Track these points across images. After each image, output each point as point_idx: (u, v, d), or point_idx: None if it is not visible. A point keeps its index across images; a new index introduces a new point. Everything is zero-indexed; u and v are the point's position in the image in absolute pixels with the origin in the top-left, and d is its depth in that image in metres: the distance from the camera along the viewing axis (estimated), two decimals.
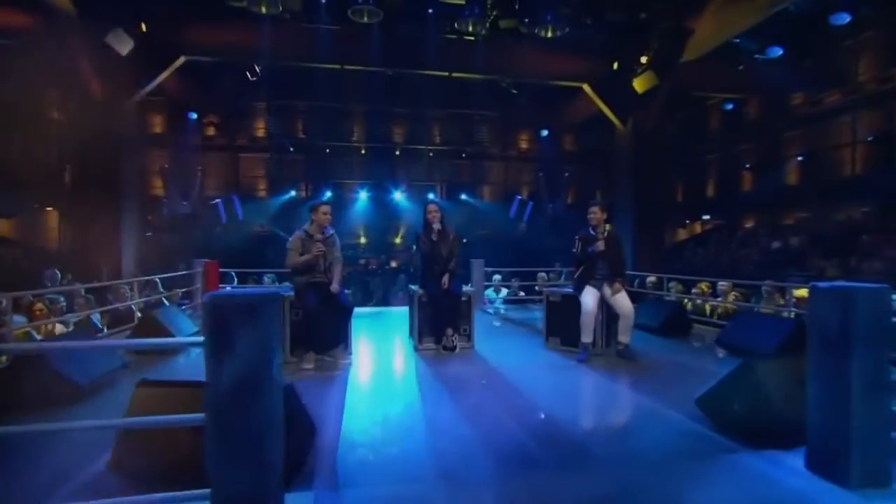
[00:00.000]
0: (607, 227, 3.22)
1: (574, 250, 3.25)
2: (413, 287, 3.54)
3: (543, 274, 5.84)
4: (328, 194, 10.61)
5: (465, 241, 11.50)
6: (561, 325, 3.36)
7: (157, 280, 4.77)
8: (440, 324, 3.29)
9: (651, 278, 5.07)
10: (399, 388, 2.70)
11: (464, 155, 11.87)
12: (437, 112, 10.87)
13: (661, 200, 7.09)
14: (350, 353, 3.21)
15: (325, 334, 2.99)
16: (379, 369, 3.03)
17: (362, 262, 9.65)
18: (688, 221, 10.43)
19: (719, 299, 4.33)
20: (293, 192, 11.62)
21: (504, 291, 5.92)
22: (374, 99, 8.91)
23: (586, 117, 8.46)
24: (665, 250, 7.30)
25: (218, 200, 10.35)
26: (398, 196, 11.33)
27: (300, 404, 1.89)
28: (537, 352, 3.36)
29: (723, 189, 9.86)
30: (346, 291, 3.22)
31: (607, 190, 8.60)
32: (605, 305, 3.21)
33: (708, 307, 4.37)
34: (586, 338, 3.11)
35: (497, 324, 4.41)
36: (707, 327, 4.04)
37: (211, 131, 11.56)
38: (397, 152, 11.57)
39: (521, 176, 12.36)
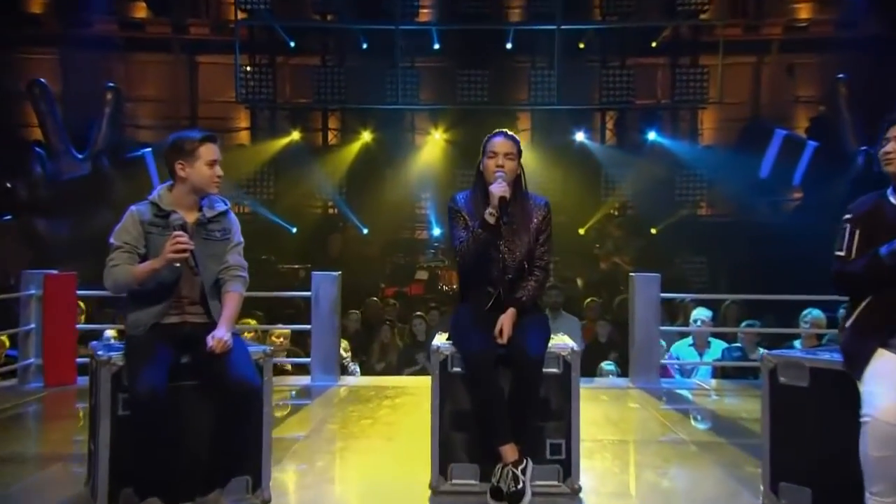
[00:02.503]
0: None
1: (840, 251, 2.74)
2: (437, 344, 3.21)
3: (818, 314, 5.93)
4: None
5: (653, 230, 11.82)
6: (808, 447, 2.84)
7: None
8: (491, 432, 2.99)
9: None
10: None
11: (654, 45, 12.68)
12: None
13: None
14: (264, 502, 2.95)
15: (192, 458, 2.75)
16: None
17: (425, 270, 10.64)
18: None
19: None
20: (294, 133, 12.89)
21: (716, 347, 6.25)
22: None
23: None
24: None
25: (147, 151, 10.63)
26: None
27: None
28: None
29: None
30: (261, 350, 3.04)
31: None
32: None
33: None
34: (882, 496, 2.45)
35: (674, 436, 4.26)
36: None
37: (141, 12, 12.67)
38: (508, 45, 12.47)
39: (790, 88, 13.03)
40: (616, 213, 13.45)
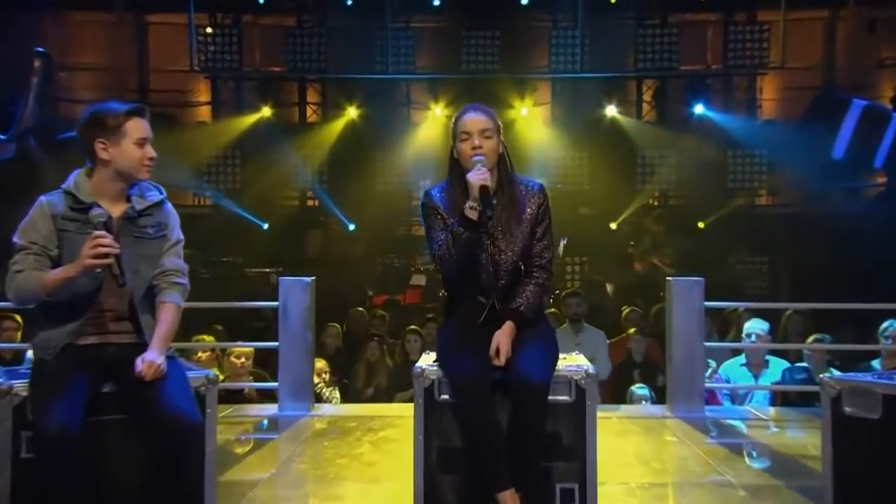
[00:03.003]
0: None
1: None
2: (422, 366, 3.23)
3: None
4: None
5: (701, 225, 12.76)
6: (879, 491, 2.90)
7: None
8: (487, 476, 3.02)
9: None
10: None
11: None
12: None
13: None
14: None
15: None
16: None
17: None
18: None
19: None
20: (265, 109, 12.99)
21: (776, 367, 6.23)
22: None
23: None
24: None
25: None
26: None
27: None
28: None
29: None
30: (203, 376, 3.05)
31: None
32: None
33: None
34: None
35: (720, 477, 4.24)
36: None
37: None
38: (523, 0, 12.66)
39: (871, 49, 12.97)
40: (655, 203, 13.49)
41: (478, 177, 3.04)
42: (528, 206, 3.22)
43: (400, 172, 13.07)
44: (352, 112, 12.93)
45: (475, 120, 3.18)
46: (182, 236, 3.08)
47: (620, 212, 12.79)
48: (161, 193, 3.04)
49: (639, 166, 13.06)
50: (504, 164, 3.23)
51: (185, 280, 3.02)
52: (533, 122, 13.26)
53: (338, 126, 12.94)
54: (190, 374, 3.00)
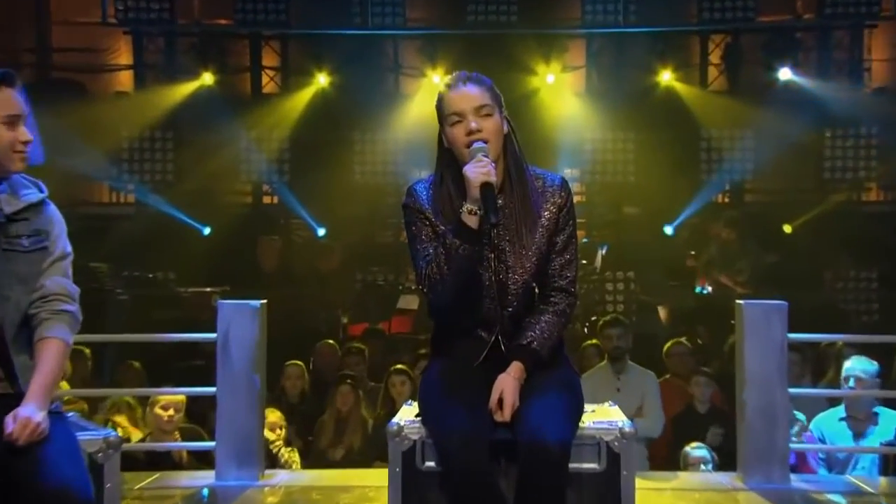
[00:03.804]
0: None
1: None
2: (398, 421, 3.30)
3: None
4: None
5: (787, 228, 11.83)
6: None
7: None
8: None
9: None
10: None
11: None
12: None
13: None
14: None
15: None
16: None
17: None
18: None
19: None
20: (206, 76, 13.03)
21: (888, 422, 6.31)
22: None
23: None
24: None
25: None
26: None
27: None
28: None
29: None
30: (100, 438, 3.12)
31: None
32: None
33: None
34: None
35: None
36: None
37: None
38: None
39: None
40: (725, 200, 13.42)
41: (478, 170, 3.05)
42: (545, 207, 3.25)
43: (385, 160, 13.01)
44: (321, 79, 12.84)
45: (467, 95, 3.20)
46: (70, 248, 3.10)
47: (678, 211, 12.73)
48: (41, 191, 3.06)
49: (703, 151, 12.99)
50: (511, 150, 3.26)
51: (74, 307, 3.05)
52: (561, 92, 13.15)
53: (303, 98, 12.85)
54: (81, 435, 3.01)
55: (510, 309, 3.22)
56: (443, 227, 3.17)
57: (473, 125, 3.12)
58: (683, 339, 8.42)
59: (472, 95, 3.17)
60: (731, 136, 12.90)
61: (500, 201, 3.14)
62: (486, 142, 3.10)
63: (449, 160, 3.23)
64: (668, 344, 8.22)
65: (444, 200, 3.24)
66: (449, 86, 3.23)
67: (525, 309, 3.23)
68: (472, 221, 3.04)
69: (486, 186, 3.03)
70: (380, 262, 12.86)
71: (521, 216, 3.22)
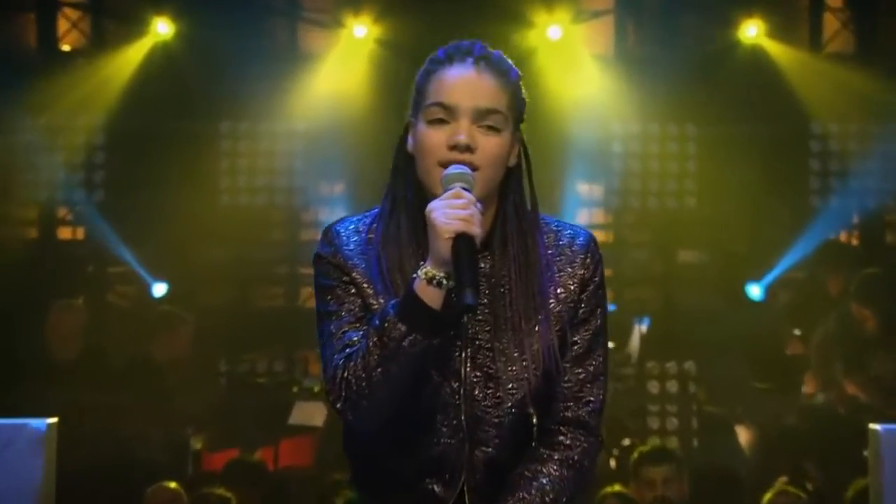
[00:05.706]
0: None
1: None
2: None
3: None
4: None
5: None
6: None
7: None
8: None
9: None
10: None
11: None
12: None
13: None
14: None
15: None
16: None
17: None
18: None
19: None
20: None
21: None
22: None
23: None
24: None
25: None
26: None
27: None
28: None
29: None
30: None
31: None
32: None
33: None
34: None
35: None
36: None
37: None
38: None
39: None
40: (853, 242, 11.13)
41: (451, 212, 2.33)
42: (558, 282, 2.58)
43: (273, 168, 10.38)
44: (161, 27, 10.04)
45: (472, 83, 2.42)
46: None
47: (771, 260, 10.06)
48: None
49: (814, 158, 10.20)
50: (515, 192, 2.54)
51: None
52: (573, 55, 10.44)
53: (130, 59, 10.18)
54: None
55: (488, 449, 2.48)
56: (381, 300, 2.53)
57: (461, 137, 2.33)
58: (786, 482, 7.22)
59: (480, 86, 2.38)
60: (862, 135, 10.21)
61: (482, 266, 2.45)
62: (474, 169, 2.34)
63: (408, 183, 2.52)
64: (768, 495, 7.09)
65: (388, 254, 2.56)
66: (445, 59, 2.43)
67: (512, 453, 2.48)
68: (432, 296, 2.30)
69: (461, 240, 2.27)
70: (260, 345, 10.25)
71: (516, 294, 2.55)
